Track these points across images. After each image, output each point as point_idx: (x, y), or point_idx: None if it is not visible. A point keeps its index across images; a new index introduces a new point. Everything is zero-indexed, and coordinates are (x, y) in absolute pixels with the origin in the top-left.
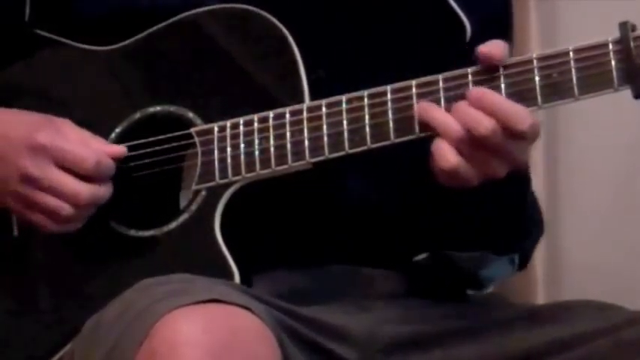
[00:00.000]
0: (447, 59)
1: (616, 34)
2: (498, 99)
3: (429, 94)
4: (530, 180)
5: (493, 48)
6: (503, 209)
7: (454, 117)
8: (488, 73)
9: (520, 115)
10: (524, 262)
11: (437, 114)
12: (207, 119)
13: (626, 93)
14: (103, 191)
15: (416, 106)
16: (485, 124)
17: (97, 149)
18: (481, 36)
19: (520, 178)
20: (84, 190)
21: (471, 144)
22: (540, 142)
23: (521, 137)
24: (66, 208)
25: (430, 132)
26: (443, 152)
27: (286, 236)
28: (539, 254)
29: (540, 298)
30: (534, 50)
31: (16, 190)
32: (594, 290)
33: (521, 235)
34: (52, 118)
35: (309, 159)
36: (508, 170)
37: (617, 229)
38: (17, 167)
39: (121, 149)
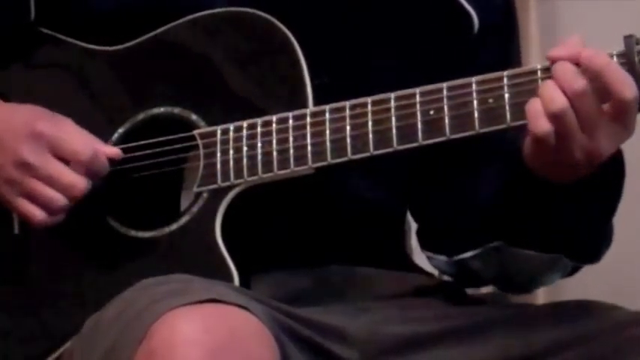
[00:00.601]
0: (455, 56)
1: (615, 35)
2: (608, 60)
3: (432, 102)
4: (621, 193)
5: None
6: (594, 217)
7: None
8: (493, 83)
9: (627, 81)
10: (575, 270)
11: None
12: (211, 122)
13: None
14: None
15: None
16: (580, 81)
17: (93, 144)
18: (488, 29)
19: (614, 186)
20: (80, 183)
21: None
22: None
23: (619, 106)
24: (60, 199)
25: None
26: (535, 118)
27: (286, 237)
28: None
29: (540, 298)
30: (534, 50)
31: (10, 176)
32: (594, 290)
33: (601, 245)
34: (55, 113)
35: (311, 164)
36: (589, 153)
37: (617, 229)
38: (13, 153)
39: (116, 151)
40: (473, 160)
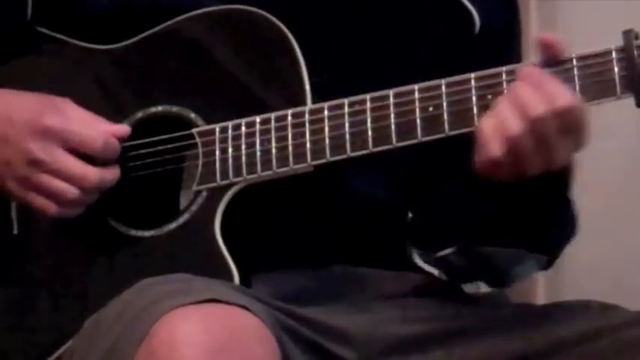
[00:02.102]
0: (456, 55)
1: (616, 34)
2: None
3: (431, 98)
4: (572, 182)
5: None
6: (542, 209)
7: (509, 99)
8: (492, 79)
9: (562, 91)
10: (550, 262)
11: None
12: (209, 120)
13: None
14: (111, 174)
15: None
16: (541, 107)
17: (102, 129)
18: (490, 28)
19: (562, 178)
20: (92, 173)
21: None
22: None
23: (566, 124)
24: (73, 191)
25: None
26: (490, 141)
27: (286, 237)
28: None
29: (540, 298)
30: (534, 50)
31: (21, 173)
32: (594, 290)
33: (559, 236)
34: (53, 99)
35: (310, 161)
36: (543, 168)
37: (617, 229)
38: (23, 151)
39: (124, 129)
40: (450, 158)
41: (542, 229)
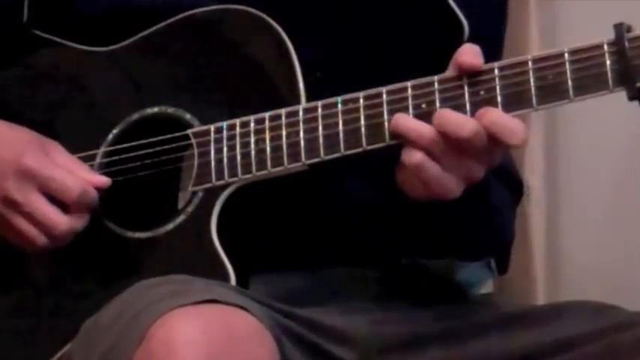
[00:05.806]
0: (445, 59)
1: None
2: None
3: (424, 95)
4: (490, 186)
5: (471, 55)
6: (459, 216)
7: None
8: (484, 75)
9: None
10: (503, 266)
11: (410, 122)
12: (205, 121)
13: (624, 94)
14: (81, 223)
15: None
16: (469, 126)
17: (82, 178)
18: (478, 35)
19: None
20: (62, 223)
21: (448, 147)
22: (540, 142)
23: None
24: (41, 239)
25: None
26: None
27: (283, 238)
28: (539, 254)
29: (540, 298)
30: (534, 50)
31: None
32: (594, 290)
33: (483, 241)
34: (42, 140)
35: (304, 160)
36: (485, 170)
37: (617, 230)
38: (1, 188)
39: (105, 180)
40: None
41: (464, 237)
